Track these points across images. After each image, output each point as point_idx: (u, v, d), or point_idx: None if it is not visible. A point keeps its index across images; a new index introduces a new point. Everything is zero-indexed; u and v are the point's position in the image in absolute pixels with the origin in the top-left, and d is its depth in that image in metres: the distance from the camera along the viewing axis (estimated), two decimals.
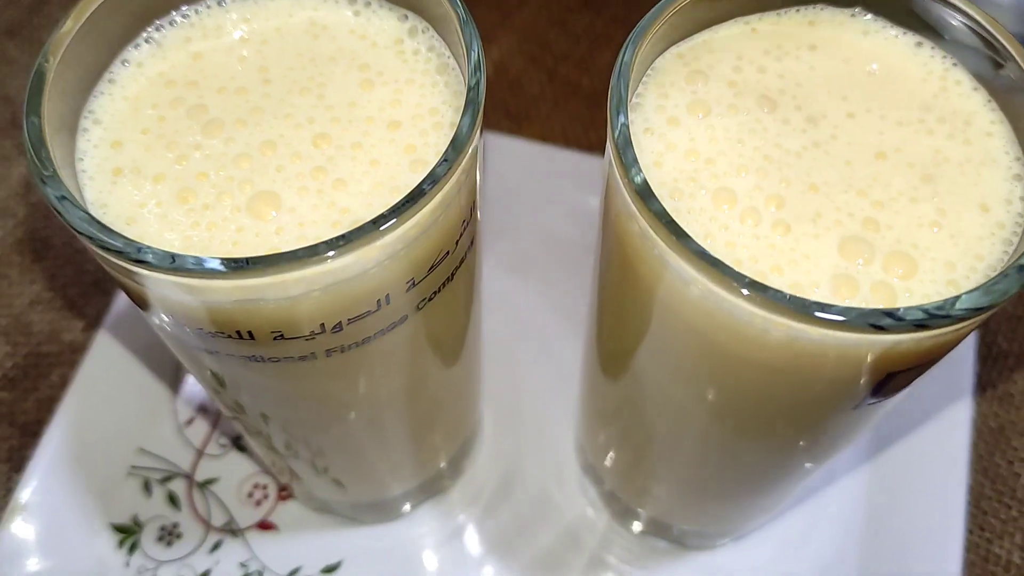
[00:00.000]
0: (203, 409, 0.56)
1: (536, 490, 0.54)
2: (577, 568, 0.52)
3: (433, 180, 0.29)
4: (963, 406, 0.53)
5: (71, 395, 0.55)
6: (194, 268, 0.27)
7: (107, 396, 0.55)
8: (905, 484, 0.52)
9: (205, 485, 0.54)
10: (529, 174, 0.63)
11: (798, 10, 0.36)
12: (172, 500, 0.54)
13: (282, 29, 0.36)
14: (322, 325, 0.32)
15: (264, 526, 0.53)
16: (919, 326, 0.26)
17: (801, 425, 0.35)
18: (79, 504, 0.52)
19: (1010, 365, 0.57)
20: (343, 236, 0.28)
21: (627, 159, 0.30)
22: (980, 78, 0.34)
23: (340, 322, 0.32)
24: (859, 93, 0.33)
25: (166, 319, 0.32)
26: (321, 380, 0.36)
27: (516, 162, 0.63)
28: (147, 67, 0.35)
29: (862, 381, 0.30)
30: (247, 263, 0.27)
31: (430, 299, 0.35)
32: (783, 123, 0.33)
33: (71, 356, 0.59)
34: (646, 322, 0.34)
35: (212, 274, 0.28)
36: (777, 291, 0.27)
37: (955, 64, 0.34)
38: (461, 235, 0.34)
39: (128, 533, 0.52)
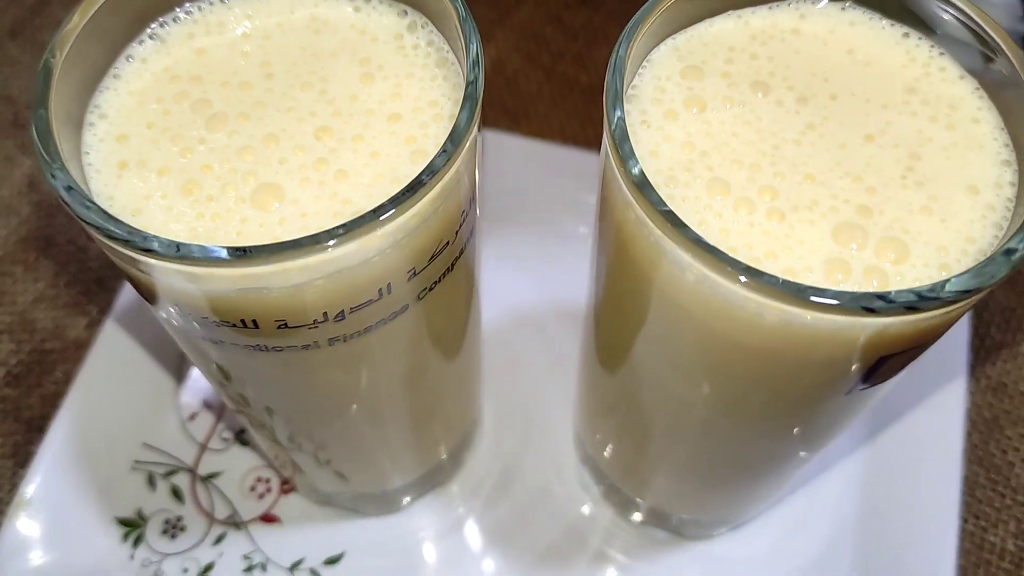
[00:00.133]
0: (206, 404, 0.57)
1: (535, 482, 0.55)
2: (577, 559, 0.53)
3: (432, 171, 0.30)
4: (957, 396, 0.54)
5: (75, 391, 0.55)
6: (199, 256, 0.28)
7: (111, 392, 0.56)
8: (900, 474, 0.53)
9: (208, 479, 0.55)
10: (527, 170, 0.63)
11: (790, 4, 0.36)
12: (176, 494, 0.54)
13: (284, 25, 0.37)
14: (325, 314, 0.32)
15: (267, 519, 0.54)
16: (910, 308, 0.27)
17: (795, 411, 0.36)
18: (84, 498, 0.53)
19: (1003, 356, 0.58)
20: (344, 225, 0.29)
21: (624, 151, 0.30)
22: (972, 72, 0.34)
23: (343, 311, 0.32)
24: (841, 75, 0.34)
25: (172, 310, 0.33)
26: (324, 369, 0.37)
27: (514, 159, 0.64)
28: (151, 63, 0.36)
29: (854, 365, 0.31)
30: (251, 251, 0.28)
31: (431, 289, 0.35)
32: (776, 105, 0.33)
33: (75, 352, 0.59)
34: (643, 310, 0.35)
35: (217, 262, 0.28)
36: (771, 276, 0.27)
37: (942, 54, 0.34)
38: (461, 226, 0.35)
39: (132, 526, 0.53)
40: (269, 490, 0.54)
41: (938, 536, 0.50)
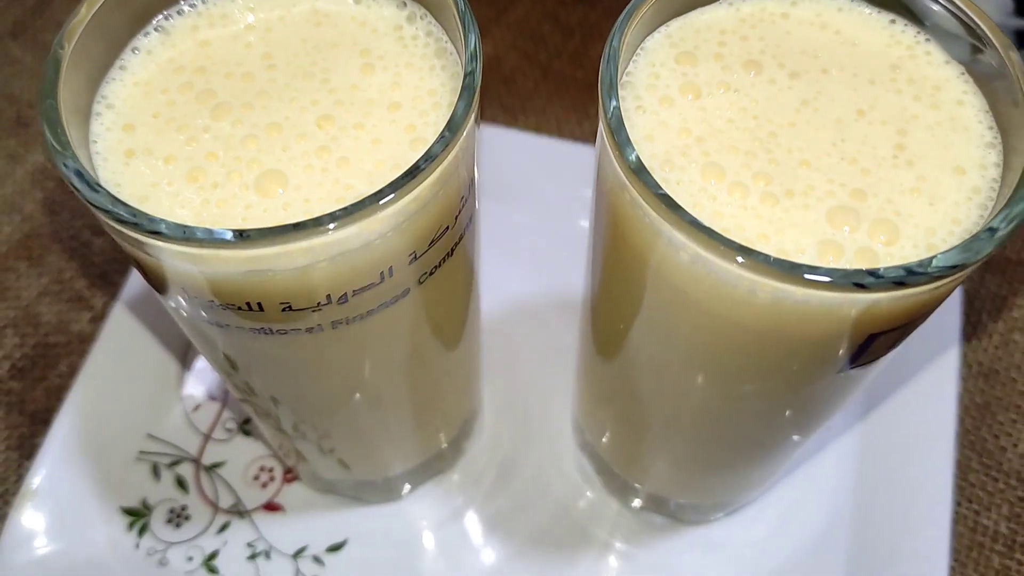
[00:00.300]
0: (210, 395, 0.58)
1: (535, 470, 0.56)
2: (575, 546, 0.53)
3: (430, 157, 0.31)
4: (949, 383, 0.55)
5: (80, 383, 0.56)
6: (205, 238, 0.29)
7: (115, 384, 0.57)
8: (894, 459, 0.54)
9: (212, 469, 0.55)
10: (525, 164, 0.64)
11: None
12: (180, 484, 0.55)
13: (286, 18, 0.38)
14: (328, 296, 0.33)
15: (270, 507, 0.54)
16: (898, 284, 0.28)
17: (789, 391, 0.37)
18: (89, 489, 0.54)
19: (995, 343, 0.58)
20: (345, 208, 0.29)
21: (620, 139, 0.31)
22: (959, 61, 0.35)
23: (345, 293, 0.33)
24: (829, 53, 0.35)
25: (179, 295, 0.34)
26: (328, 353, 0.38)
27: (512, 153, 0.64)
28: (157, 54, 0.37)
29: (845, 342, 0.32)
30: (255, 234, 0.29)
31: (431, 273, 0.36)
32: (770, 84, 0.34)
33: (79, 346, 0.60)
34: (639, 293, 0.35)
35: (222, 244, 0.29)
36: (763, 254, 0.28)
37: (928, 40, 0.35)
38: (460, 211, 0.36)
39: (137, 516, 0.54)
40: (272, 479, 0.55)
41: (932, 520, 0.51)
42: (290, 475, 0.55)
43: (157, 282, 0.34)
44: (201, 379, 0.58)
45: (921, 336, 0.56)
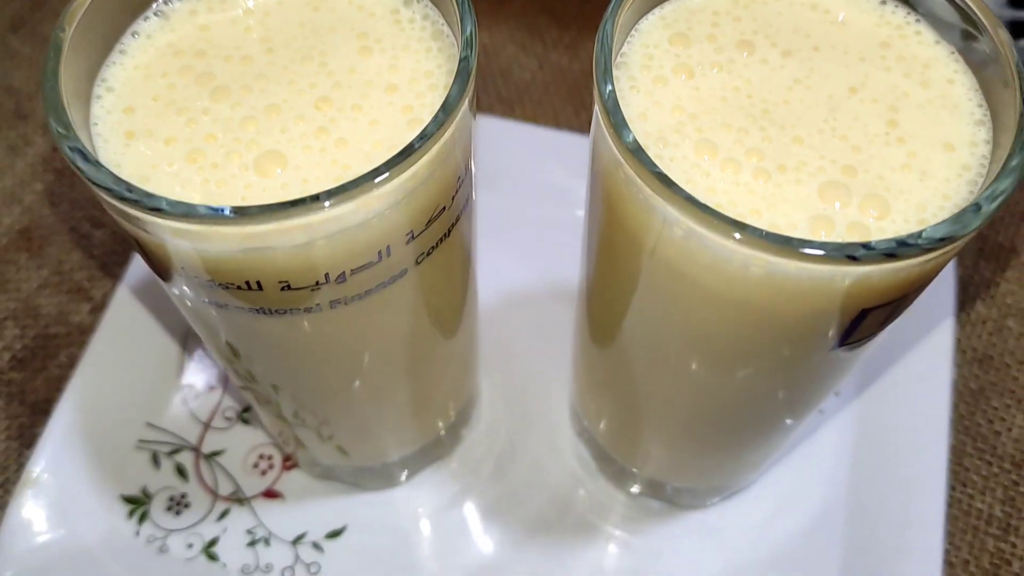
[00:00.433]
0: (209, 384, 0.58)
1: (532, 457, 0.56)
2: (573, 531, 0.54)
3: (424, 136, 0.31)
4: (943, 368, 0.55)
5: (79, 373, 0.56)
6: (205, 215, 0.29)
7: (114, 374, 0.57)
8: (888, 445, 0.54)
9: (212, 456, 0.56)
10: (522, 154, 0.64)
11: None
12: (180, 471, 0.55)
13: (284, 2, 0.38)
14: (326, 275, 0.33)
15: (270, 494, 0.55)
16: (889, 256, 0.28)
17: (782, 370, 0.37)
18: (89, 477, 0.54)
19: (989, 329, 0.59)
20: (342, 186, 0.30)
21: (616, 120, 0.31)
22: (951, 43, 0.36)
23: (343, 272, 0.34)
24: (820, 31, 0.35)
25: (179, 276, 0.34)
26: (326, 335, 0.38)
27: (509, 143, 0.65)
28: (156, 38, 0.37)
29: (838, 317, 0.32)
30: (254, 210, 0.29)
31: (428, 254, 0.36)
32: (762, 63, 0.35)
33: (79, 337, 0.60)
34: (633, 272, 0.36)
35: (222, 220, 0.29)
36: (757, 228, 0.29)
37: (918, 20, 0.36)
38: (456, 192, 0.36)
39: (138, 504, 0.54)
40: (271, 467, 0.56)
41: (927, 503, 0.51)
42: (289, 463, 0.56)
43: (158, 263, 0.35)
44: (200, 368, 0.58)
45: (915, 322, 0.56)
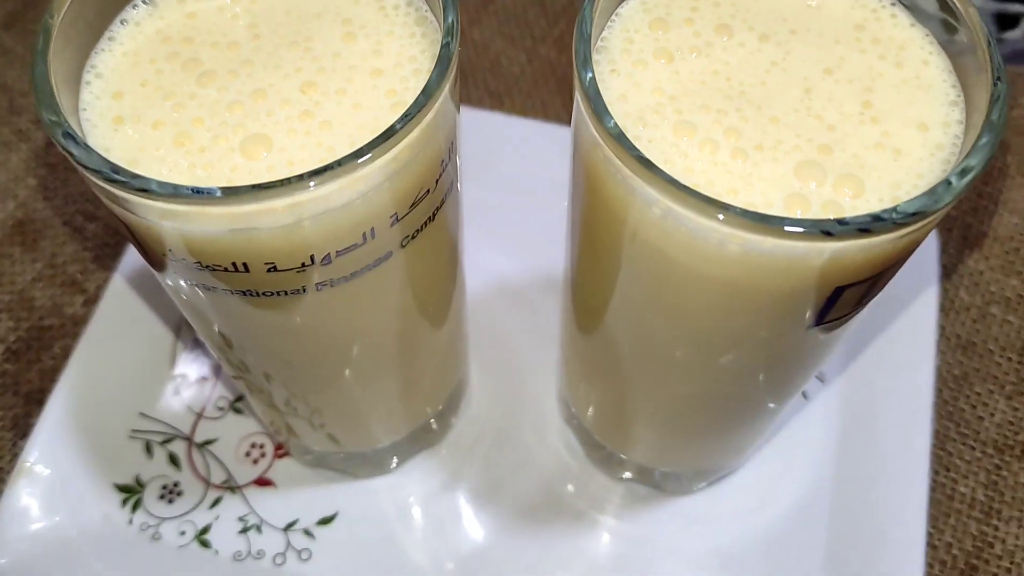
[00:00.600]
0: (202, 374, 0.58)
1: (521, 444, 0.56)
2: (562, 517, 0.54)
3: (406, 118, 0.32)
4: (927, 355, 0.56)
5: (73, 364, 0.56)
6: (192, 195, 0.30)
7: (108, 365, 0.57)
8: (872, 429, 0.55)
9: (204, 445, 0.56)
10: (510, 147, 0.65)
11: None
12: (173, 460, 0.56)
13: None
14: (312, 257, 0.34)
15: (261, 482, 0.55)
16: (864, 231, 0.29)
17: (761, 350, 0.38)
18: (82, 466, 0.54)
19: (972, 316, 0.59)
20: (327, 166, 0.30)
21: (598, 108, 0.32)
22: (925, 26, 0.36)
23: (329, 254, 0.34)
24: (797, 16, 0.36)
25: (168, 259, 0.35)
26: (314, 317, 0.38)
27: (497, 136, 0.65)
28: (144, 25, 0.37)
29: (813, 294, 0.33)
30: (240, 190, 0.30)
31: (413, 237, 0.37)
32: (740, 47, 0.35)
33: (72, 329, 0.61)
34: (615, 254, 0.36)
35: (209, 200, 0.30)
36: (734, 207, 0.29)
37: (893, 3, 0.36)
38: (440, 175, 0.37)
39: (131, 492, 0.54)
40: (263, 455, 0.56)
41: (910, 488, 0.52)
42: (281, 451, 0.56)
43: (148, 248, 0.35)
44: (193, 359, 0.59)
45: (900, 309, 0.57)
